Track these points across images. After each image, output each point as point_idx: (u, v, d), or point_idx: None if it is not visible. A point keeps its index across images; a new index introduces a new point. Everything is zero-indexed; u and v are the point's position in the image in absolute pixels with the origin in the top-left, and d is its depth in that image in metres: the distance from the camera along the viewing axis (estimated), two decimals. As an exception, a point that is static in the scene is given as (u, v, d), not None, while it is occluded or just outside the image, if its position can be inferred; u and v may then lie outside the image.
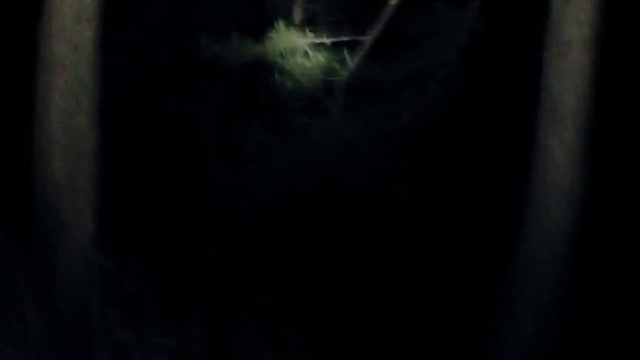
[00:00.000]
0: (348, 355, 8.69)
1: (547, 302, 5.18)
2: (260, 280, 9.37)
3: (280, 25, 7.02)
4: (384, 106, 7.54)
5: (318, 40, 7.19)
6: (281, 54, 7.00)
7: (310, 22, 7.59)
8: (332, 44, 7.28)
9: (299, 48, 7.06)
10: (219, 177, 7.60)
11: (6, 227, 5.33)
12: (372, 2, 7.28)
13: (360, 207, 10.45)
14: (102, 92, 5.02)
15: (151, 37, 8.43)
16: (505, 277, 5.48)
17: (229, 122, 9.10)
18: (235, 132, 7.60)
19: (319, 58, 7.06)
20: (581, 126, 5.07)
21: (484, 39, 7.01)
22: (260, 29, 7.34)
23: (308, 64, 6.97)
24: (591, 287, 7.47)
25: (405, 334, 9.08)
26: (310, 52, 7.10)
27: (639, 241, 8.27)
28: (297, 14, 7.74)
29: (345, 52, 7.19)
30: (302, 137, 7.26)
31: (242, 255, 9.49)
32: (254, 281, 9.33)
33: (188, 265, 8.96)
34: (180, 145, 9.68)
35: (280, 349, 8.00)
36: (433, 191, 10.69)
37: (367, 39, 7.13)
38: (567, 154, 5.07)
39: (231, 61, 6.94)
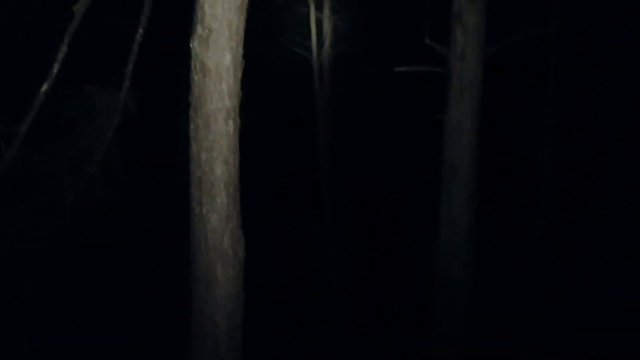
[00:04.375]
0: None
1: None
2: None
3: None
4: (45, 195, 7.32)
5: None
6: None
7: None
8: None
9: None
10: None
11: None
12: (23, 91, 7.11)
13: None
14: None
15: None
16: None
17: None
18: None
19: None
20: (231, 190, 5.30)
21: (138, 117, 7.12)
22: None
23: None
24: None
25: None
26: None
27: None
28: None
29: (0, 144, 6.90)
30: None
31: None
32: None
33: None
34: None
35: None
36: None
37: (21, 127, 6.90)
38: (221, 219, 5.28)
39: None
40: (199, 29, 5.13)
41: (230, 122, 5.22)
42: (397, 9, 14.17)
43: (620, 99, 13.64)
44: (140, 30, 6.43)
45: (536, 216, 12.72)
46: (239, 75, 5.19)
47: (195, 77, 5.18)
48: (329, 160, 14.15)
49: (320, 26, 14.15)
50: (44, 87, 6.53)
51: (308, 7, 13.87)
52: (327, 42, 14.15)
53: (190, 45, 5.17)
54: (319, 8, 14.03)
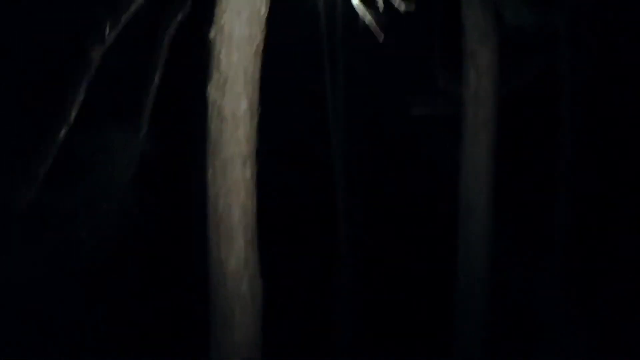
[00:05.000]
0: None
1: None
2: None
3: None
4: (64, 233, 7.40)
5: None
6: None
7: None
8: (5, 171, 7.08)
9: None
10: None
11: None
12: (44, 130, 7.21)
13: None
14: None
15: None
16: None
17: None
18: None
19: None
20: (249, 235, 5.34)
21: (155, 158, 7.20)
22: None
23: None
24: None
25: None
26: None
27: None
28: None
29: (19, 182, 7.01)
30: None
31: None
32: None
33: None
34: None
35: None
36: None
37: (41, 167, 7.00)
38: (239, 264, 5.31)
39: None
40: (215, 76, 5.20)
41: (248, 168, 5.27)
42: (411, 50, 14.27)
43: (638, 130, 13.64)
44: (157, 75, 6.52)
45: (552, 255, 12.67)
46: (255, 121, 5.25)
47: (212, 124, 5.25)
48: (345, 197, 14.19)
49: (334, 65, 14.25)
50: (63, 129, 6.62)
51: (322, 47, 13.97)
52: (340, 82, 14.24)
53: (207, 92, 5.24)
54: (332, 46, 14.14)
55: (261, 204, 5.49)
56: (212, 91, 5.21)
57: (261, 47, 5.29)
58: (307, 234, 14.05)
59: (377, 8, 5.27)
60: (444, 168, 8.91)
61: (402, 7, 5.27)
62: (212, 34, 5.23)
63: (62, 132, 6.43)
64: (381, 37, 5.29)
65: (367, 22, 5.30)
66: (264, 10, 5.26)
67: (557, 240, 12.47)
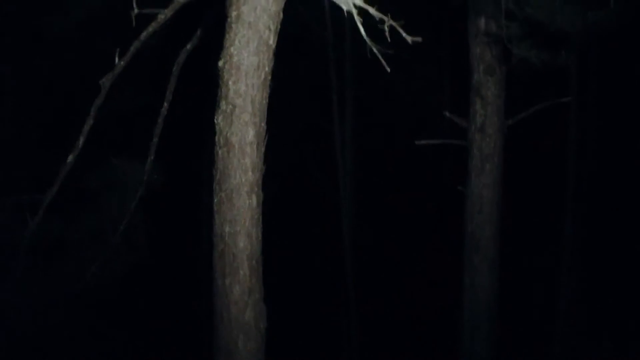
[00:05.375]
0: None
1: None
2: None
3: None
4: (68, 263, 7.40)
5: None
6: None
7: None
8: (13, 203, 7.09)
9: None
10: None
11: None
12: (49, 159, 7.24)
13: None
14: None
15: None
16: None
17: None
18: None
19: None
20: (253, 263, 5.35)
21: (162, 187, 7.22)
22: None
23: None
24: None
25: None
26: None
27: None
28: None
29: (25, 212, 7.02)
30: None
31: None
32: None
33: None
34: None
35: None
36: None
37: (46, 196, 7.01)
38: (243, 292, 5.31)
39: None
40: (222, 105, 5.23)
41: (254, 196, 5.29)
42: (418, 82, 14.34)
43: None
44: (165, 104, 6.56)
45: (560, 285, 12.62)
46: (262, 149, 5.28)
47: (219, 152, 5.27)
48: (352, 235, 14.19)
49: (343, 99, 14.33)
50: (70, 158, 6.64)
51: (330, 79, 14.06)
52: (348, 114, 14.31)
53: (215, 121, 5.27)
54: (340, 80, 14.23)
55: (268, 234, 5.50)
56: (220, 120, 5.25)
57: (269, 77, 5.33)
58: (314, 264, 14.03)
59: (384, 39, 5.30)
60: (450, 199, 8.91)
61: (409, 39, 5.30)
62: (220, 63, 5.27)
63: (70, 161, 6.45)
64: (388, 69, 5.32)
65: (375, 52, 5.33)
66: (272, 40, 5.31)
67: (564, 272, 12.43)
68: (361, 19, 5.30)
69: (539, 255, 13.77)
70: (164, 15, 5.61)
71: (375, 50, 5.32)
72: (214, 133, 5.30)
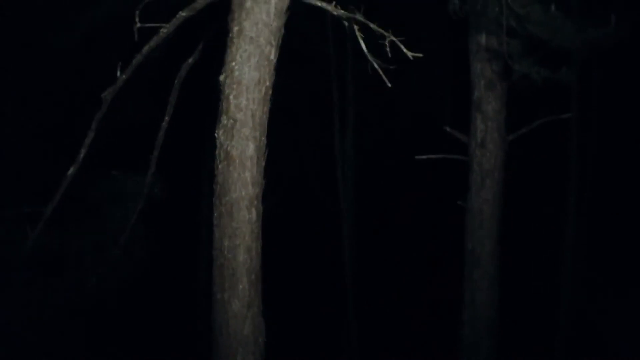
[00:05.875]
0: None
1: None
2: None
3: None
4: (69, 275, 7.40)
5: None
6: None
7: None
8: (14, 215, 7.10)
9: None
10: None
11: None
12: (50, 172, 7.24)
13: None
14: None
15: None
16: None
17: None
18: None
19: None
20: (252, 277, 5.35)
21: (162, 202, 7.23)
22: None
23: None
24: None
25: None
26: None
27: None
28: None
29: (26, 224, 7.02)
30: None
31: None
32: None
33: None
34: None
35: None
36: None
37: (47, 208, 7.02)
38: (243, 305, 5.31)
39: None
40: (223, 119, 5.26)
41: (253, 210, 5.30)
42: (418, 97, 14.37)
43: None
44: (167, 118, 6.58)
45: (561, 301, 12.60)
46: (262, 164, 5.30)
47: (220, 166, 5.29)
48: (352, 250, 14.20)
49: (344, 114, 14.36)
50: (71, 171, 6.65)
51: (331, 94, 14.10)
52: (349, 128, 14.34)
53: (215, 135, 5.29)
54: (342, 95, 14.26)
55: (268, 248, 5.51)
56: (220, 134, 5.27)
57: (270, 92, 5.35)
58: (314, 277, 14.02)
59: (386, 54, 5.32)
60: (451, 214, 8.91)
61: (409, 54, 5.33)
62: (221, 78, 5.30)
63: (71, 173, 6.46)
64: (389, 84, 5.34)
65: (376, 67, 5.35)
66: (273, 55, 5.34)
67: (565, 287, 12.41)
68: (362, 35, 5.32)
69: (540, 270, 13.75)
70: (166, 29, 5.63)
71: (376, 65, 5.35)
72: (215, 147, 5.32)
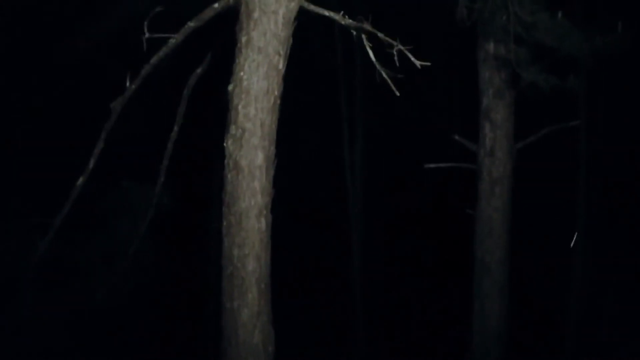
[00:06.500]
0: None
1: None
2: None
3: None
4: (77, 286, 7.41)
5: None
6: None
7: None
8: (23, 226, 7.12)
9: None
10: None
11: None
12: (60, 183, 7.25)
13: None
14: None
15: None
16: None
17: None
18: None
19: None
20: (262, 286, 5.35)
21: (171, 211, 7.24)
22: None
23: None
24: None
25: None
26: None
27: None
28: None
29: (35, 234, 7.04)
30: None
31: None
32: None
33: None
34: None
35: None
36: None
37: (56, 219, 7.03)
38: (252, 314, 5.31)
39: None
40: (232, 129, 5.27)
41: (262, 220, 5.30)
42: (427, 106, 14.37)
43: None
44: (176, 128, 6.59)
45: (569, 313, 12.56)
46: (271, 173, 5.30)
47: (229, 175, 5.29)
48: (362, 258, 14.18)
49: (353, 124, 14.38)
50: (80, 181, 6.66)
51: (340, 104, 14.12)
52: (358, 137, 14.35)
53: (224, 144, 5.30)
54: (351, 104, 14.28)
55: (277, 258, 5.51)
56: (229, 143, 5.28)
57: (278, 101, 5.36)
58: (323, 287, 13.99)
59: (394, 63, 5.34)
60: (460, 223, 8.90)
61: (418, 63, 5.34)
62: (230, 87, 5.32)
63: (80, 183, 6.48)
64: (398, 93, 5.35)
65: (384, 76, 5.36)
66: (282, 65, 5.35)
67: (575, 296, 12.36)
68: (370, 44, 5.33)
69: (549, 278, 13.70)
70: (174, 39, 5.65)
71: (384, 74, 5.35)
72: (224, 156, 5.33)
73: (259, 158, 5.23)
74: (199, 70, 6.55)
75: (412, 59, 5.23)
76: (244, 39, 5.27)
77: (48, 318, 7.59)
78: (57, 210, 6.79)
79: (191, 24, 5.58)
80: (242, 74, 5.27)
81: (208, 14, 5.51)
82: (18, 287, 7.33)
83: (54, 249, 7.08)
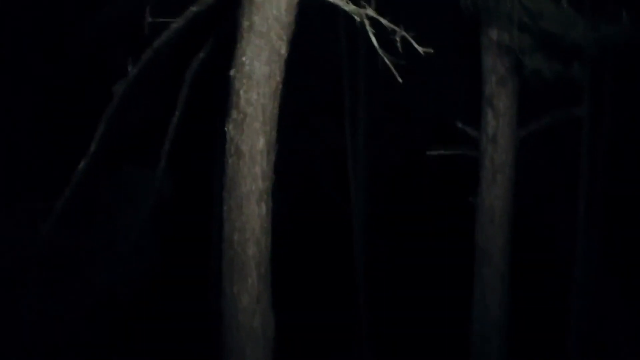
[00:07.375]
0: None
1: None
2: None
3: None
4: (79, 271, 7.43)
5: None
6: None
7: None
8: (24, 211, 7.13)
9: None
10: None
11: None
12: (59, 170, 7.27)
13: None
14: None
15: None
16: None
17: None
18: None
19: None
20: (262, 270, 5.36)
21: (172, 196, 7.25)
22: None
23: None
24: None
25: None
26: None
27: None
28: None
29: (37, 219, 7.05)
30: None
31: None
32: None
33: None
34: None
35: None
36: None
37: (58, 203, 7.05)
38: (252, 299, 5.32)
39: None
40: (233, 114, 5.26)
41: (263, 204, 5.30)
42: (429, 94, 14.34)
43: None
44: (177, 112, 6.59)
45: (571, 303, 12.55)
46: (272, 158, 5.30)
47: (230, 160, 5.29)
48: (363, 247, 14.19)
49: (355, 112, 14.36)
50: (82, 165, 6.67)
51: (342, 93, 14.10)
52: (361, 125, 14.33)
53: (225, 129, 5.29)
54: (353, 93, 14.26)
55: (279, 249, 5.52)
56: (231, 128, 5.27)
57: (280, 87, 5.35)
58: (325, 277, 14.03)
59: (397, 50, 5.31)
60: (462, 211, 8.88)
61: (421, 50, 5.32)
62: (232, 72, 5.31)
63: (82, 167, 6.48)
64: (400, 80, 5.33)
65: (387, 62, 5.34)
66: (284, 50, 5.34)
67: (576, 285, 12.35)
68: (373, 30, 5.32)
69: (551, 267, 13.71)
70: (176, 24, 5.64)
71: (387, 61, 5.33)
72: (225, 141, 5.33)
73: (260, 143, 5.23)
74: (200, 55, 6.54)
75: (415, 45, 5.21)
76: (246, 24, 5.26)
77: (50, 304, 7.60)
78: (59, 194, 6.79)
79: (193, 9, 5.57)
80: (244, 58, 5.26)
81: (210, -2, 5.50)
82: (20, 273, 7.34)
83: (56, 234, 7.10)
